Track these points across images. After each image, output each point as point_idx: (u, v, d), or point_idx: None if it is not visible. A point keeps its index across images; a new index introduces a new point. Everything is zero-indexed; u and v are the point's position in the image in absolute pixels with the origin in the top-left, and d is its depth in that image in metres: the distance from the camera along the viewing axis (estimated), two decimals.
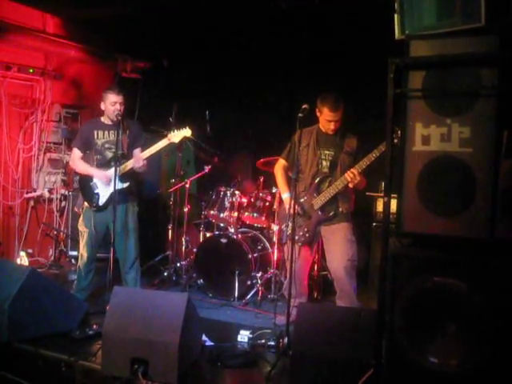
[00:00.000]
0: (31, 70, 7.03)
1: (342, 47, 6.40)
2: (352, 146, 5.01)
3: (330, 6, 5.89)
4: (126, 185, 5.34)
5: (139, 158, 5.32)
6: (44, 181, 7.36)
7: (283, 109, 6.90)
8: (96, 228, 5.43)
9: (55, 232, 7.51)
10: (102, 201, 5.42)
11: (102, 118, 5.49)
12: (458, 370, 2.98)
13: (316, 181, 5.00)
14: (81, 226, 5.54)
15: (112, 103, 5.31)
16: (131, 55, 7.59)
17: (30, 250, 7.12)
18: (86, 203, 5.51)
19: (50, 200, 7.45)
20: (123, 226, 5.43)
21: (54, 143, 7.49)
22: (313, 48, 6.63)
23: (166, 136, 5.44)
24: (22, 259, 6.79)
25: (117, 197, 5.06)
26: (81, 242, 5.56)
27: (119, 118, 5.15)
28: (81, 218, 5.57)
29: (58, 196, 7.52)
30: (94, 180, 5.44)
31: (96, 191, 5.43)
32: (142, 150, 5.42)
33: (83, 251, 5.51)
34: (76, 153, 5.52)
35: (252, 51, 6.95)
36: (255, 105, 7.39)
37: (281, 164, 5.35)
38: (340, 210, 4.98)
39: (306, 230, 5.04)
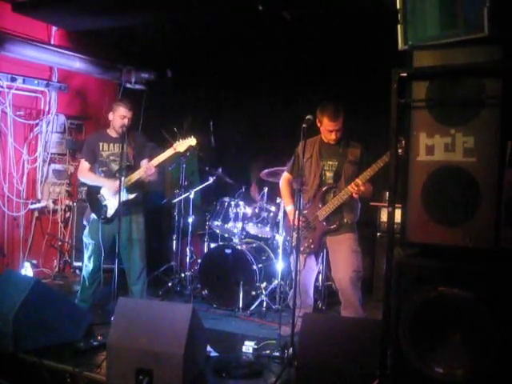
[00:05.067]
0: (36, 82, 7.07)
1: (345, 58, 6.42)
2: (356, 155, 4.99)
3: (334, 17, 5.92)
4: (133, 196, 5.35)
5: (150, 166, 5.35)
6: (48, 192, 7.37)
7: (287, 119, 6.92)
8: (102, 239, 5.43)
9: (60, 243, 7.52)
10: (109, 213, 5.42)
11: (108, 130, 5.52)
12: (463, 380, 2.97)
13: (321, 192, 5.00)
14: (86, 238, 5.54)
15: (121, 116, 5.34)
16: (135, 66, 7.61)
17: (34, 261, 7.11)
18: (93, 215, 5.52)
19: (55, 211, 7.47)
20: (129, 237, 5.44)
21: (59, 154, 7.50)
22: (317, 59, 6.65)
23: (171, 145, 5.48)
24: (27, 270, 6.79)
25: (122, 208, 5.09)
26: (85, 253, 5.58)
27: (124, 129, 5.19)
28: (86, 230, 5.58)
29: (63, 207, 7.54)
30: (102, 192, 5.45)
31: (104, 203, 5.44)
32: (149, 161, 5.45)
33: (88, 262, 5.52)
34: (85, 164, 5.53)
35: (256, 62, 6.97)
36: (259, 116, 7.40)
37: (285, 177, 5.36)
38: (345, 220, 4.97)
39: (310, 241, 5.03)
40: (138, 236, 5.54)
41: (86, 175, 5.55)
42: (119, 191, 5.07)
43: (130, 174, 5.33)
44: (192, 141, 5.50)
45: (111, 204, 5.42)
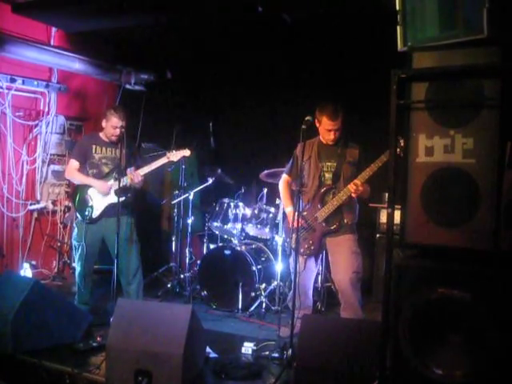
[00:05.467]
0: (35, 83, 7.07)
1: (345, 59, 6.42)
2: (354, 155, 4.99)
3: (333, 19, 5.92)
4: (121, 199, 5.35)
5: (137, 174, 5.40)
6: (48, 193, 7.37)
7: (287, 120, 6.91)
8: (89, 241, 5.44)
9: (59, 244, 7.51)
10: (95, 214, 5.43)
11: (101, 134, 5.53)
12: (462, 381, 2.97)
13: (320, 193, 5.00)
14: (75, 240, 5.55)
15: (113, 126, 5.36)
16: (135, 67, 7.61)
17: (33, 262, 7.11)
18: (78, 216, 5.53)
19: (54, 212, 7.47)
20: (123, 237, 5.43)
21: (58, 155, 7.50)
22: (316, 60, 6.65)
23: (165, 155, 5.56)
24: (26, 271, 6.79)
25: (111, 210, 5.16)
26: (75, 256, 5.58)
27: (122, 133, 5.25)
28: (75, 232, 5.57)
29: (62, 208, 7.53)
30: (89, 192, 5.45)
31: (90, 204, 5.44)
32: (136, 169, 5.48)
33: (78, 265, 5.53)
34: (74, 164, 5.52)
35: (256, 64, 6.97)
36: (259, 117, 7.40)
37: (284, 179, 5.37)
38: (345, 221, 4.97)
39: (310, 242, 5.03)
40: (131, 236, 5.55)
41: (75, 175, 5.54)
42: (118, 192, 5.09)
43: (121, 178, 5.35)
44: (186, 152, 5.62)
45: (98, 205, 5.44)
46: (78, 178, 5.53)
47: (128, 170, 5.51)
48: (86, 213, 5.43)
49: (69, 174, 5.64)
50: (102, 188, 5.39)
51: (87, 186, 5.46)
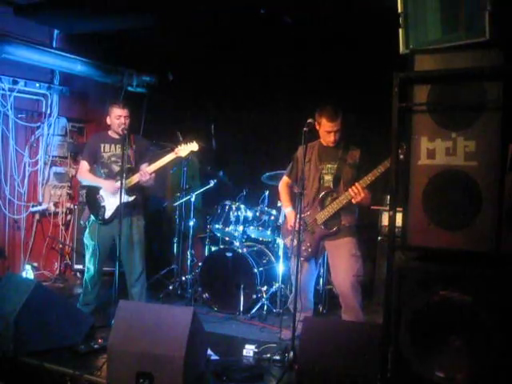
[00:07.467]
0: (38, 85, 7.08)
1: (346, 61, 6.42)
2: (355, 158, 4.96)
3: (335, 21, 5.92)
4: (132, 198, 5.38)
5: (146, 172, 5.36)
6: (50, 194, 7.38)
7: (289, 123, 6.91)
8: (101, 241, 5.45)
9: (60, 245, 7.52)
10: (107, 214, 5.44)
11: (110, 132, 5.54)
12: None
13: (320, 196, 4.99)
14: (86, 239, 5.56)
15: (117, 117, 5.36)
16: (137, 69, 7.62)
17: (35, 264, 7.12)
18: (91, 216, 5.53)
19: (56, 214, 7.48)
20: (129, 239, 5.44)
21: (60, 157, 7.52)
22: (318, 62, 6.64)
23: (173, 150, 5.49)
24: (28, 273, 6.80)
25: (126, 210, 5.15)
26: (86, 255, 5.59)
27: (125, 131, 5.21)
28: (86, 231, 5.59)
29: (64, 209, 7.54)
30: (101, 193, 5.47)
31: (102, 204, 5.46)
32: (149, 165, 5.46)
33: (89, 264, 5.53)
34: (85, 165, 5.55)
35: (257, 65, 6.97)
36: (261, 119, 7.40)
37: (284, 181, 5.36)
38: (343, 223, 4.94)
39: (308, 244, 5.01)
40: (138, 238, 5.55)
41: (85, 175, 5.57)
42: (120, 193, 5.08)
43: (130, 176, 5.35)
44: (194, 146, 5.52)
45: (110, 205, 5.44)
46: (88, 179, 5.56)
47: (142, 166, 5.52)
48: (99, 213, 5.44)
49: (80, 175, 5.67)
50: (110, 188, 5.39)
51: (99, 187, 5.48)
